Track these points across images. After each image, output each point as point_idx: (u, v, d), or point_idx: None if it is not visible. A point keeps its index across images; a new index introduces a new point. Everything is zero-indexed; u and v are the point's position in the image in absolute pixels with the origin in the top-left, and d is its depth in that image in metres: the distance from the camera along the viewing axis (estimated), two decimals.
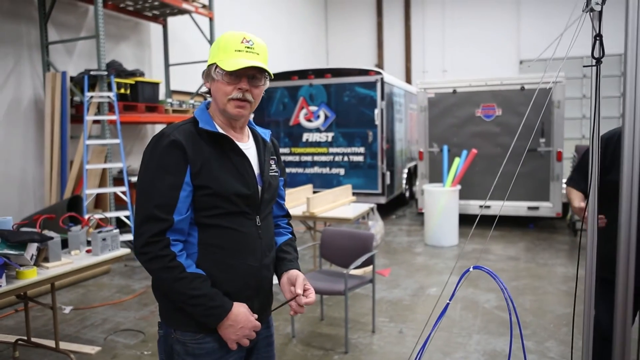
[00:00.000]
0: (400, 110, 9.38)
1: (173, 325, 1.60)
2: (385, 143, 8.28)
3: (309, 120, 8.62)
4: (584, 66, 1.72)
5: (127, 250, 3.60)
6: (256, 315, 1.62)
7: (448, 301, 1.63)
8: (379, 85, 8.15)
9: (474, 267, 1.64)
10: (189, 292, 1.49)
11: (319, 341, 3.83)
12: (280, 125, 8.82)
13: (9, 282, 2.84)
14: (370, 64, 14.43)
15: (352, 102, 8.34)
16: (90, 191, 5.88)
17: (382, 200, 8.35)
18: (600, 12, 1.53)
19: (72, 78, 6.26)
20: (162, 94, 8.01)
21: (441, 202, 6.89)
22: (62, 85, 6.11)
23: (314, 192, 5.87)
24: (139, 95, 6.74)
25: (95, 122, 6.31)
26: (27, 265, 2.94)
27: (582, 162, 2.56)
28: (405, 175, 9.68)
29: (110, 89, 6.10)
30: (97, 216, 4.18)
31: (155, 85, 7.16)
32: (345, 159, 8.50)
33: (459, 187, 7.19)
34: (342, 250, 3.95)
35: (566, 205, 7.72)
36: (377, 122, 8.19)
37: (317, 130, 8.60)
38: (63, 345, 3.58)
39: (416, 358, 1.64)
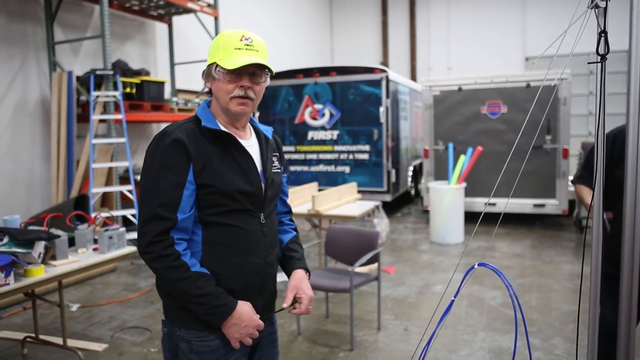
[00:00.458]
0: (406, 108, 9.36)
1: (177, 323, 1.60)
2: (390, 141, 8.27)
3: (314, 119, 8.62)
4: (589, 63, 1.71)
5: (133, 248, 3.62)
6: (258, 316, 1.63)
7: (453, 298, 1.63)
8: (384, 83, 8.13)
9: (479, 264, 1.64)
10: (193, 291, 1.49)
11: (324, 338, 3.84)
12: (285, 123, 8.83)
13: (17, 280, 2.86)
14: (375, 62, 14.41)
15: (357, 100, 8.33)
16: (96, 190, 5.91)
17: (388, 198, 8.34)
18: (605, 9, 1.53)
19: (78, 77, 6.30)
20: (167, 93, 8.04)
21: (446, 199, 6.88)
22: (68, 85, 6.15)
23: (319, 190, 5.88)
24: (144, 94, 6.77)
25: (101, 121, 6.35)
26: (34, 264, 2.97)
27: (590, 159, 2.56)
28: (410, 173, 9.66)
29: (116, 88, 6.13)
30: (104, 214, 4.21)
31: (161, 84, 7.19)
32: (351, 156, 8.50)
33: (464, 184, 7.18)
34: (347, 248, 3.96)
35: (572, 203, 7.69)
36: (382, 120, 8.18)
37: (322, 128, 8.60)
38: (71, 342, 3.61)
39: (421, 355, 1.64)
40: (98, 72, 6.00)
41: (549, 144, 7.41)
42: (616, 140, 2.38)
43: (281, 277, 2.63)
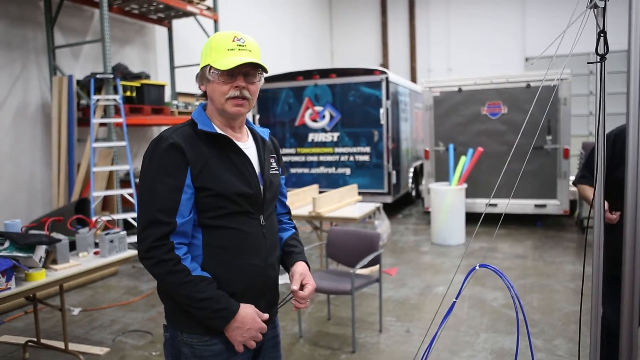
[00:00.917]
0: (406, 110, 9.36)
1: (179, 327, 1.59)
2: (390, 142, 8.27)
3: (315, 121, 8.62)
4: (588, 62, 1.71)
5: (134, 252, 3.62)
6: (266, 316, 1.62)
7: (454, 299, 1.63)
8: (384, 84, 8.13)
9: (480, 265, 1.63)
10: (195, 296, 1.48)
11: (326, 341, 3.83)
12: (285, 125, 8.83)
13: (18, 284, 2.86)
14: (375, 64, 14.41)
15: (357, 102, 8.33)
16: (97, 193, 5.91)
17: (388, 199, 8.34)
18: (604, 8, 1.53)
19: (78, 81, 6.31)
20: (167, 96, 8.05)
21: (447, 200, 6.87)
22: (68, 89, 6.16)
23: (320, 192, 5.87)
24: (144, 98, 6.78)
25: (101, 124, 6.36)
26: (35, 268, 2.97)
27: (591, 159, 2.56)
28: (411, 175, 9.66)
29: (116, 91, 6.14)
30: (105, 218, 4.21)
31: (161, 87, 7.20)
32: (351, 158, 8.50)
33: (465, 185, 7.17)
34: (348, 250, 3.95)
35: (573, 203, 7.68)
36: (383, 121, 8.18)
37: (323, 130, 8.60)
38: (72, 346, 3.61)
39: (423, 357, 1.64)
40: (98, 76, 6.01)
41: (549, 144, 7.40)
42: (617, 140, 2.39)
43: (283, 279, 2.63)
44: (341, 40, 15.41)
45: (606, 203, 2.07)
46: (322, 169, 8.71)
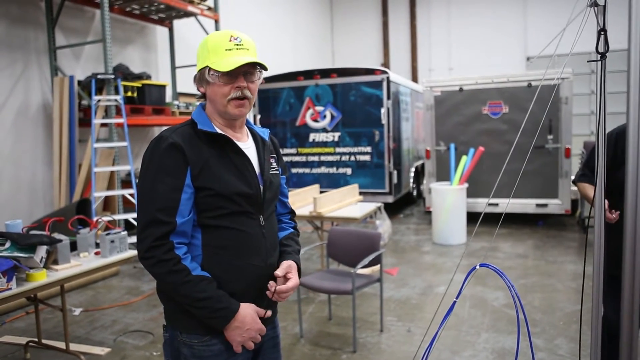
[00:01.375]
0: (407, 109, 9.36)
1: (179, 328, 1.59)
2: (392, 142, 8.26)
3: (316, 121, 8.62)
4: (589, 61, 1.71)
5: (135, 252, 3.61)
6: (269, 312, 1.61)
7: (455, 299, 1.62)
8: (385, 84, 8.13)
9: (481, 265, 1.63)
10: (195, 295, 1.48)
11: (327, 341, 3.83)
12: (286, 125, 8.83)
13: (19, 284, 2.87)
14: (376, 63, 14.40)
15: (358, 102, 8.33)
16: (98, 194, 5.92)
17: (390, 199, 8.33)
18: (604, 7, 1.52)
19: (79, 82, 6.32)
20: (168, 97, 8.05)
21: (449, 200, 6.87)
22: (69, 89, 6.17)
23: (321, 192, 5.87)
24: (145, 98, 6.78)
25: (102, 125, 6.36)
26: (36, 268, 2.97)
27: (592, 157, 2.55)
28: (412, 174, 9.65)
29: (117, 92, 6.14)
30: (106, 218, 4.22)
31: (162, 87, 7.20)
32: (352, 158, 8.50)
33: (466, 185, 7.17)
34: (349, 250, 3.95)
35: (575, 202, 7.67)
36: (384, 121, 8.18)
37: (324, 130, 8.60)
38: (73, 346, 3.61)
39: (424, 356, 1.64)
40: (99, 77, 6.02)
41: (551, 143, 7.39)
42: (619, 139, 2.39)
43: None
44: (342, 40, 15.40)
45: (606, 202, 2.06)
46: (323, 169, 8.70)
